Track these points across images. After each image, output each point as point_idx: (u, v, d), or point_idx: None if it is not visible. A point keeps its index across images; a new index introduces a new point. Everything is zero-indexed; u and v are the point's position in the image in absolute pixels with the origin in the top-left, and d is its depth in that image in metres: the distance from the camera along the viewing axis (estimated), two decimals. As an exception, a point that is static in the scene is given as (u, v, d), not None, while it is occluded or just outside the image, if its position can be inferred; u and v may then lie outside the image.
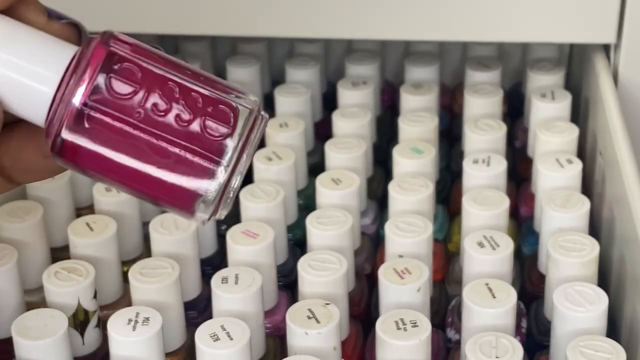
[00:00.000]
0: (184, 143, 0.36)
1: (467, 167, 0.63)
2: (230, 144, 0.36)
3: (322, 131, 0.75)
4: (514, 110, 0.79)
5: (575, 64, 0.81)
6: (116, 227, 0.57)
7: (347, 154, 0.65)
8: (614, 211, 0.60)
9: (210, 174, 0.36)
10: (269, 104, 0.76)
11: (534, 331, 0.57)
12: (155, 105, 0.36)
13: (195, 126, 0.36)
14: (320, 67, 0.78)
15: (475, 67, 0.76)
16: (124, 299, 0.57)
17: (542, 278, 0.58)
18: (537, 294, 0.59)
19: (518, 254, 0.64)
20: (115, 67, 0.36)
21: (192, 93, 0.36)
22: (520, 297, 0.56)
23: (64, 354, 0.49)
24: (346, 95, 0.73)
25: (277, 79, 0.80)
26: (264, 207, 0.59)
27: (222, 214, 0.38)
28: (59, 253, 0.60)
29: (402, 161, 0.64)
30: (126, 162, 0.36)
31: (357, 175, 0.62)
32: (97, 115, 0.36)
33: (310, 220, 0.58)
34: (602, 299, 0.51)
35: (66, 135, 0.36)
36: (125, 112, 0.36)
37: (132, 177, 0.36)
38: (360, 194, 0.62)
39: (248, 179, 0.64)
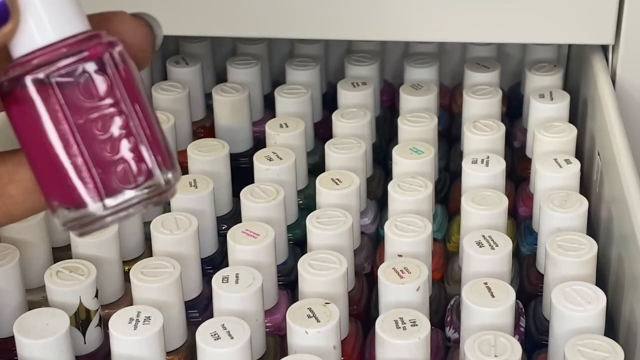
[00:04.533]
0: (95, 165, 0.37)
1: (466, 167, 0.63)
2: (126, 195, 0.37)
3: (322, 131, 0.75)
4: (513, 111, 0.79)
5: (573, 65, 0.81)
6: (117, 226, 0.57)
7: (347, 154, 0.65)
8: (612, 211, 0.61)
9: (89, 200, 0.37)
10: (269, 104, 0.77)
11: (533, 330, 0.57)
12: (101, 121, 0.37)
13: (115, 160, 0.37)
14: (320, 68, 0.78)
15: (474, 68, 0.77)
16: (126, 298, 0.58)
17: (540, 277, 0.59)
18: (535, 293, 0.59)
19: (517, 254, 0.64)
20: (98, 70, 0.37)
21: (132, 137, 0.37)
22: (519, 296, 0.56)
23: (65, 353, 0.49)
24: (346, 95, 0.73)
25: (277, 80, 0.81)
26: (264, 207, 0.60)
27: (78, 233, 0.38)
28: (61, 252, 0.60)
29: (402, 161, 0.64)
30: (44, 141, 0.37)
31: (356, 175, 0.62)
32: (53, 92, 0.36)
33: (310, 220, 0.58)
34: (600, 298, 0.51)
35: (18, 84, 0.36)
36: (73, 107, 0.37)
37: (37, 154, 0.37)
38: (360, 193, 0.63)
39: (248, 178, 0.64)
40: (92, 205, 0.37)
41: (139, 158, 0.38)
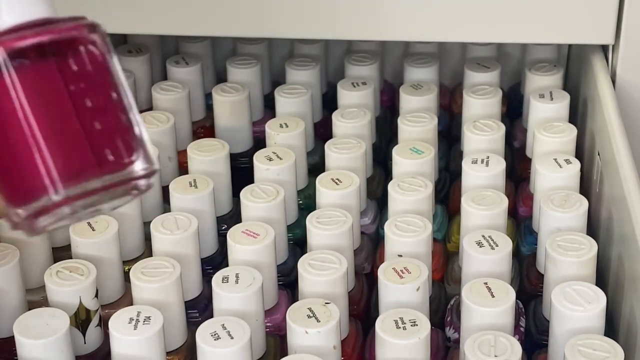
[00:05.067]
0: (79, 139, 0.36)
1: (466, 167, 0.63)
2: (96, 182, 0.36)
3: (322, 131, 0.75)
4: (513, 111, 0.79)
5: (573, 65, 0.81)
6: (117, 226, 0.57)
7: (347, 154, 0.65)
8: (612, 211, 0.61)
9: (55, 185, 0.36)
10: (269, 104, 0.77)
11: (533, 330, 0.57)
12: (90, 91, 0.36)
13: (99, 136, 0.36)
14: (320, 68, 0.78)
15: (474, 68, 0.77)
16: (125, 298, 0.58)
17: (540, 277, 0.59)
18: (535, 293, 0.59)
19: (517, 254, 0.64)
20: (88, 45, 0.37)
21: (121, 114, 0.37)
22: (519, 296, 0.56)
23: (65, 353, 0.49)
24: (346, 95, 0.73)
25: (277, 80, 0.81)
26: (264, 207, 0.60)
27: (34, 224, 0.37)
28: (61, 252, 0.60)
29: (402, 161, 0.64)
30: (19, 116, 0.36)
31: (356, 175, 0.62)
32: (39, 65, 0.36)
33: (310, 220, 0.58)
34: (600, 298, 0.51)
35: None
36: (64, 78, 0.36)
37: (11, 136, 0.36)
38: (360, 193, 0.63)
39: (248, 178, 0.64)
40: (60, 191, 0.36)
41: (126, 138, 0.37)
